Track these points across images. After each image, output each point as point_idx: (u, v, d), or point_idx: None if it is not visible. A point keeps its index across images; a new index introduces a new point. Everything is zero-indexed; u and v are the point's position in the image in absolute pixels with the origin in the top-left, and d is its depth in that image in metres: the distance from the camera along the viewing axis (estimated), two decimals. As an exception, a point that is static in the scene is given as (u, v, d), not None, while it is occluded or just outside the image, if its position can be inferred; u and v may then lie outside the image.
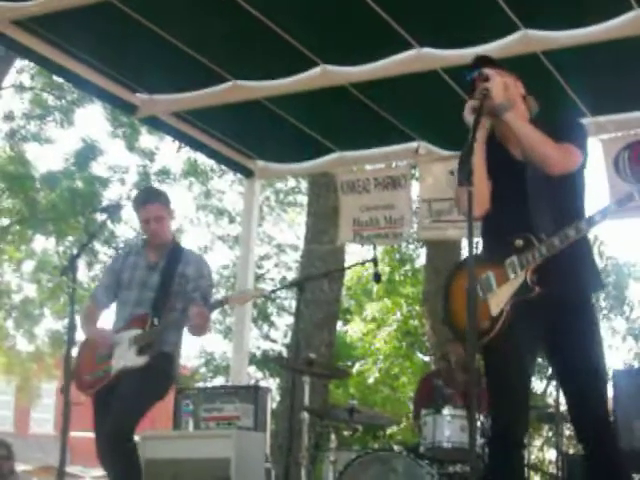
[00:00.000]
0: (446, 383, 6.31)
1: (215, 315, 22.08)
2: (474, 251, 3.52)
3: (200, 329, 5.55)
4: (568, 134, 3.99)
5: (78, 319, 5.63)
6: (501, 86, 3.91)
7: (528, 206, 3.93)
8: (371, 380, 19.71)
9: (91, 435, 5.41)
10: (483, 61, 4.16)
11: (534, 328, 3.87)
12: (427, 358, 17.97)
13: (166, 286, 5.58)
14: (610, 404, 6.03)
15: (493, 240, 4.00)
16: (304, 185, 17.88)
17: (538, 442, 17.57)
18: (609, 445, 3.85)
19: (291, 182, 21.99)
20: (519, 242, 3.88)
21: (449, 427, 5.69)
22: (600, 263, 21.37)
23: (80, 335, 5.70)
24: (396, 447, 5.98)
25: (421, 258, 18.47)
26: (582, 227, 3.82)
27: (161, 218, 5.69)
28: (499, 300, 3.87)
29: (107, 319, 5.83)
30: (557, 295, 3.84)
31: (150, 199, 5.75)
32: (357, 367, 20.07)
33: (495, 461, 3.91)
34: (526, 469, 6.42)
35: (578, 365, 3.85)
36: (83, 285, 19.63)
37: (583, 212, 3.99)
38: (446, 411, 5.73)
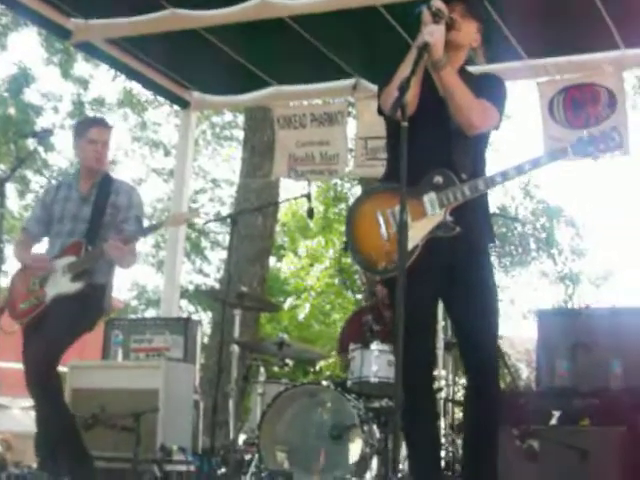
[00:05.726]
0: (375, 319, 6.34)
1: (148, 248, 21.99)
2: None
3: (120, 261, 5.53)
4: (491, 93, 3.94)
5: (11, 249, 5.63)
6: (441, 42, 3.72)
7: (450, 144, 3.86)
8: (302, 316, 19.82)
9: (21, 366, 5.34)
10: None
11: (436, 267, 3.83)
12: (359, 295, 18.13)
13: (98, 217, 5.58)
14: (534, 343, 6.22)
15: (408, 172, 3.45)
16: (241, 120, 17.71)
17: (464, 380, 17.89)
18: (490, 382, 3.92)
19: (228, 116, 21.79)
20: (438, 179, 3.82)
21: (376, 362, 5.73)
22: (530, 205, 21.73)
23: (12, 265, 5.71)
24: (324, 381, 6.03)
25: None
26: (510, 173, 3.82)
27: (106, 144, 5.73)
28: (414, 235, 3.73)
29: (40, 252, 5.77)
30: (462, 238, 3.81)
31: (103, 123, 5.79)
32: (289, 303, 20.13)
33: (406, 401, 3.71)
34: (451, 405, 6.57)
35: (472, 306, 3.86)
36: (14, 214, 19.37)
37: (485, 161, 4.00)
38: (374, 346, 5.78)
